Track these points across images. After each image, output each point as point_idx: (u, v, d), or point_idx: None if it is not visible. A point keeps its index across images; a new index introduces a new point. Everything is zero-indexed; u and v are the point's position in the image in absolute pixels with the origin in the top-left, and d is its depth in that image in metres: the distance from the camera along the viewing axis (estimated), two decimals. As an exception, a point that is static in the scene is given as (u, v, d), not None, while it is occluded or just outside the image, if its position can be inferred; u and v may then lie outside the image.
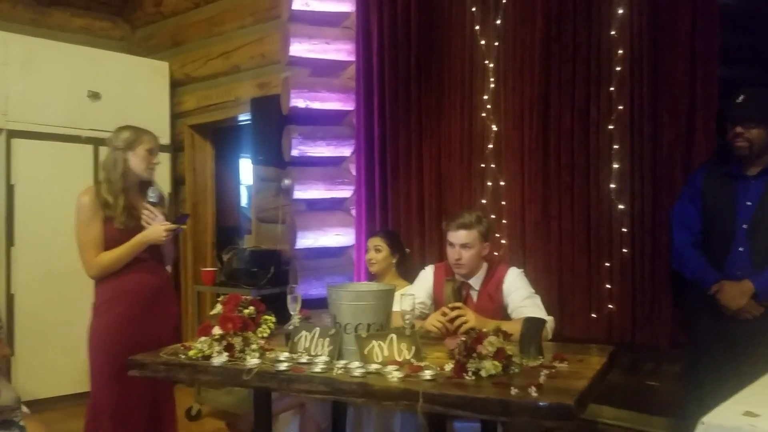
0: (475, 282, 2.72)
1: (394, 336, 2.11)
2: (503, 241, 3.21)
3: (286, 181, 3.73)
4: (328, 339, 2.15)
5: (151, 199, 2.75)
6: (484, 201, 3.27)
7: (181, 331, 3.00)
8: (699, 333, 2.61)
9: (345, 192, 3.80)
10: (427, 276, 2.86)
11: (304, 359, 2.10)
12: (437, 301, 2.76)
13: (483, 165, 3.28)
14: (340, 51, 3.75)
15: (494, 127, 3.25)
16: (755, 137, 2.45)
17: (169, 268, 3.00)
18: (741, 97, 2.47)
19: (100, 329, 2.72)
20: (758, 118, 2.44)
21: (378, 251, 3.17)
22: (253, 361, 2.11)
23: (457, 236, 2.66)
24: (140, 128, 2.82)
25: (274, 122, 3.80)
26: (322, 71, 3.79)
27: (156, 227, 2.70)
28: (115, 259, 2.69)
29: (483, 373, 1.87)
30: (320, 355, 2.12)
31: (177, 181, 5.11)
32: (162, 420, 2.84)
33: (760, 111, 2.45)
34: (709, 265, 2.53)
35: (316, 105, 3.67)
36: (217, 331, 2.22)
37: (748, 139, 2.45)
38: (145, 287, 2.77)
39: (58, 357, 4.23)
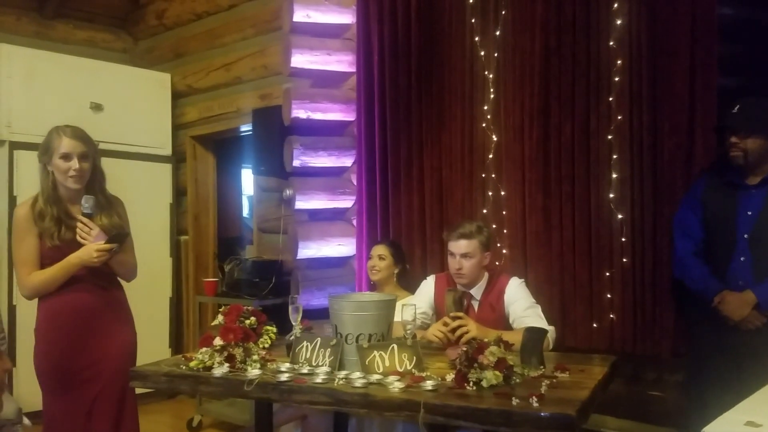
0: (477, 292, 2.72)
1: (395, 346, 2.11)
2: (504, 251, 3.21)
3: (288, 192, 3.74)
4: (329, 349, 2.15)
5: (85, 210, 2.42)
6: (485, 211, 3.27)
7: (134, 356, 2.61)
8: (701, 343, 2.60)
9: (346, 202, 3.81)
10: (428, 286, 2.86)
11: (305, 370, 2.10)
12: (438, 311, 2.76)
13: (484, 175, 3.29)
14: (342, 62, 3.77)
15: (494, 138, 3.26)
16: (750, 147, 2.44)
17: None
18: (736, 107, 2.47)
19: (37, 358, 2.48)
20: (753, 128, 2.44)
21: (382, 259, 3.18)
22: (254, 371, 2.11)
23: (458, 246, 2.66)
24: (60, 128, 2.47)
25: (276, 133, 3.81)
26: (323, 82, 3.81)
27: (88, 248, 2.39)
28: (47, 280, 2.41)
29: (484, 384, 1.87)
30: (321, 366, 2.12)
31: (179, 192, 5.13)
32: None
33: (755, 120, 2.44)
34: (711, 275, 2.53)
35: (318, 116, 3.69)
36: (218, 341, 2.22)
37: (742, 149, 2.45)
38: (83, 310, 2.46)
39: (60, 368, 4.21)
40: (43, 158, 2.45)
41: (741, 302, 2.42)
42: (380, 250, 3.21)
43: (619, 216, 2.87)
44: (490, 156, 3.27)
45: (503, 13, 3.21)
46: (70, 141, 2.43)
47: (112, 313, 2.55)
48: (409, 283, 3.24)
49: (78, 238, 2.41)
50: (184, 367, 2.22)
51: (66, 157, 2.42)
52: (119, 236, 2.45)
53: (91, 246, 2.39)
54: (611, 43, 2.89)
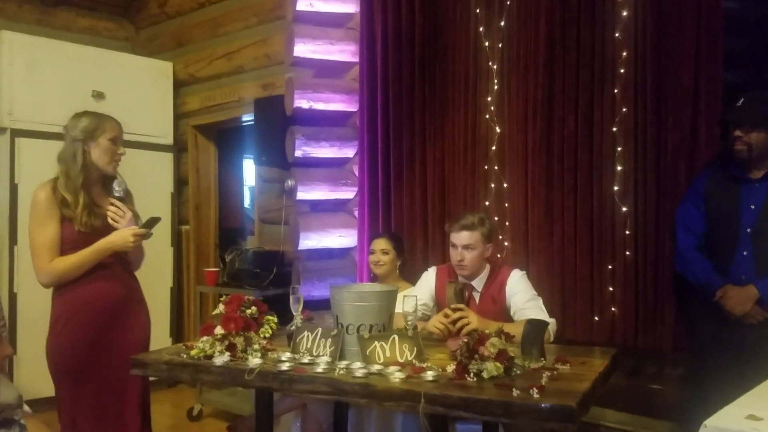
0: (478, 284, 2.72)
1: (396, 337, 2.11)
2: (506, 243, 3.21)
3: (290, 182, 3.73)
4: (330, 339, 2.15)
5: (117, 194, 2.43)
6: (487, 203, 3.27)
7: (148, 343, 2.61)
8: (702, 337, 2.60)
9: (348, 193, 3.80)
10: (429, 278, 2.86)
11: (306, 359, 2.10)
12: (439, 303, 2.75)
13: (486, 167, 3.28)
14: (344, 52, 3.76)
15: (498, 129, 3.24)
16: (755, 140, 2.44)
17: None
18: (740, 101, 2.47)
19: (57, 351, 2.41)
20: (757, 122, 2.43)
21: (385, 254, 3.18)
22: (255, 361, 2.11)
23: (460, 237, 2.65)
24: (101, 114, 2.49)
25: (278, 123, 3.80)
26: (325, 72, 3.79)
27: (123, 233, 2.37)
28: (73, 266, 2.36)
29: (485, 375, 1.87)
30: (322, 356, 2.12)
31: (180, 182, 5.12)
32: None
33: (759, 114, 2.44)
34: (713, 269, 2.52)
35: (320, 106, 3.67)
36: (219, 330, 2.22)
37: (747, 142, 2.45)
38: (108, 299, 2.44)
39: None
40: (83, 137, 2.41)
41: (743, 297, 2.42)
42: (382, 244, 3.21)
43: (623, 209, 2.86)
44: (493, 148, 3.25)
45: (508, 3, 3.20)
46: (118, 126, 2.49)
47: (133, 301, 2.56)
48: (410, 274, 3.24)
49: (110, 221, 2.40)
50: (185, 356, 2.22)
51: (116, 140, 2.46)
52: (153, 221, 2.41)
53: (127, 230, 2.38)
54: (617, 35, 2.87)
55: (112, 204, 2.42)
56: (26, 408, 2.43)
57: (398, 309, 2.26)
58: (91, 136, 2.42)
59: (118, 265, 2.48)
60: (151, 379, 2.55)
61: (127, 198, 2.52)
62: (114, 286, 2.47)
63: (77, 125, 2.44)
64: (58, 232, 2.37)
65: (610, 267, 2.90)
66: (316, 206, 3.78)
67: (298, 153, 3.61)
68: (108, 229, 2.42)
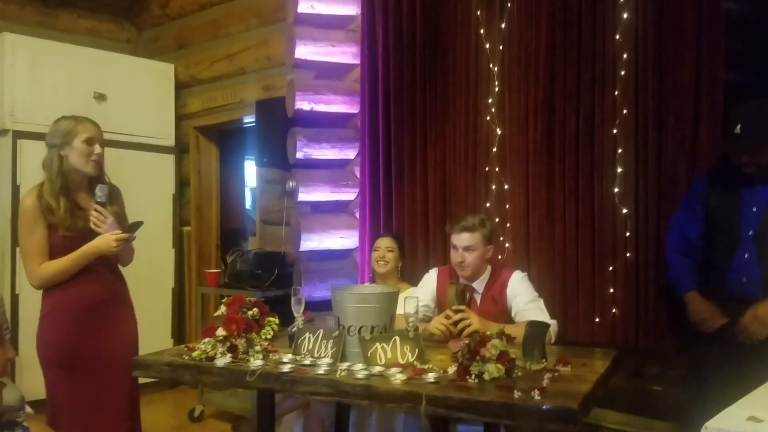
0: (479, 285, 2.72)
1: (397, 338, 2.11)
2: (507, 245, 3.21)
3: (291, 184, 3.74)
4: (331, 341, 2.15)
5: (99, 199, 2.46)
6: (488, 204, 3.27)
7: (137, 345, 2.65)
8: (702, 338, 2.60)
9: (349, 195, 3.81)
10: (430, 279, 2.86)
11: (307, 361, 2.10)
12: (441, 304, 2.76)
13: (487, 168, 3.28)
14: (346, 54, 3.76)
15: (499, 131, 3.25)
16: (764, 159, 2.40)
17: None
18: (738, 127, 2.41)
19: (44, 342, 2.49)
20: (761, 144, 2.39)
21: (390, 251, 3.19)
22: (256, 362, 2.12)
23: (461, 239, 2.66)
24: (78, 117, 2.51)
25: (279, 124, 3.81)
26: (327, 74, 3.80)
27: (105, 238, 2.43)
28: (60, 270, 2.42)
29: (486, 376, 1.87)
30: (324, 357, 2.12)
31: (182, 183, 5.13)
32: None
33: (762, 138, 2.38)
34: (690, 271, 2.55)
35: (321, 107, 3.68)
36: (220, 332, 2.22)
37: (757, 164, 2.41)
38: (90, 301, 2.49)
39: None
40: (59, 142, 2.45)
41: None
42: (388, 242, 3.22)
43: (624, 210, 2.86)
44: (494, 149, 3.26)
45: (509, 5, 3.20)
46: (92, 126, 2.50)
47: (118, 303, 2.60)
48: (411, 275, 3.24)
49: (92, 226, 2.44)
50: (186, 357, 2.22)
51: (90, 141, 2.47)
52: (136, 225, 2.47)
53: (110, 236, 2.43)
54: (617, 37, 2.87)
55: (94, 209, 2.46)
56: (28, 409, 2.44)
57: (399, 310, 2.26)
58: (66, 140, 2.46)
59: (102, 268, 2.53)
60: (152, 380, 2.56)
61: (113, 201, 2.55)
62: (97, 288, 2.51)
63: (55, 131, 2.49)
64: (46, 238, 2.43)
65: (610, 268, 2.90)
66: (318, 207, 3.78)
67: (299, 154, 3.61)
68: (93, 232, 2.46)
